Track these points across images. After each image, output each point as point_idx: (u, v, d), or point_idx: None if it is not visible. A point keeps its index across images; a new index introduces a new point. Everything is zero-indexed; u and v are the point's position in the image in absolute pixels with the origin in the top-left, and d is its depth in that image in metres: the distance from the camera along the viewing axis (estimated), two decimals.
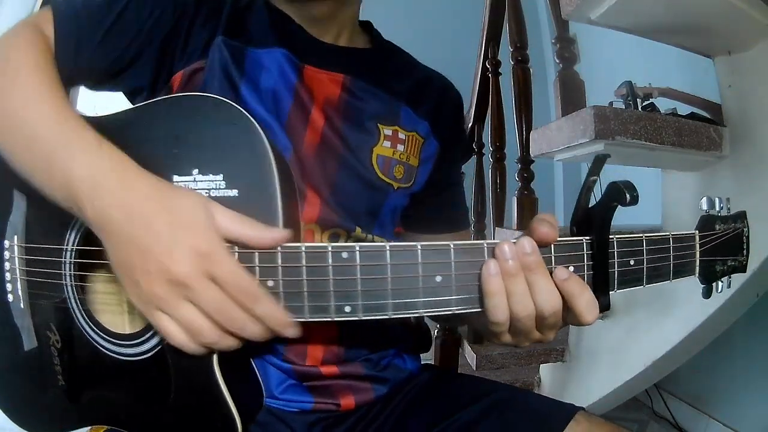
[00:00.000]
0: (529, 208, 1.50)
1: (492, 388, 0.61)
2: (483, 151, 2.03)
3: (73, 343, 0.52)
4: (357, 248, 0.41)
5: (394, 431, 0.60)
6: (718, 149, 1.16)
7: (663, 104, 1.32)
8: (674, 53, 1.33)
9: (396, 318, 0.42)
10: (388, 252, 0.41)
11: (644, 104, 1.30)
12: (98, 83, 0.59)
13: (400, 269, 0.42)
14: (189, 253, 0.38)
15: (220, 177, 0.44)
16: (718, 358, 1.64)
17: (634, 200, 0.41)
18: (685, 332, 1.22)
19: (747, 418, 1.60)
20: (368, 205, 0.62)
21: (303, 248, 0.42)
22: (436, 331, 1.65)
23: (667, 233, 0.47)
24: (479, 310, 0.42)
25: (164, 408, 0.48)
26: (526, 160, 1.52)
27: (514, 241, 0.42)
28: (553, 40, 1.65)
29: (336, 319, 0.42)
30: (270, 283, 0.42)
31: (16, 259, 0.55)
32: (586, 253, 0.44)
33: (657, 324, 1.31)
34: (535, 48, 1.69)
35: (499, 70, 1.82)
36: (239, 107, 0.46)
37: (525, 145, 1.50)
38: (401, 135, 0.63)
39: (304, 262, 0.41)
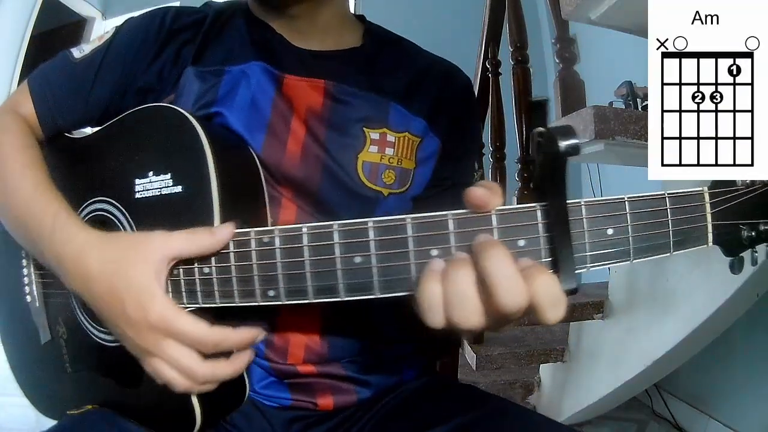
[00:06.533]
0: None
1: (484, 400, 0.57)
2: (483, 151, 2.03)
3: (75, 333, 0.57)
4: (276, 232, 0.42)
5: None
6: None
7: None
8: None
9: (342, 302, 0.41)
10: (305, 234, 0.41)
11: (644, 104, 1.30)
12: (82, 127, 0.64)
13: (318, 250, 0.40)
14: (142, 331, 0.43)
15: (168, 176, 0.48)
16: (718, 358, 1.63)
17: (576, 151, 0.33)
18: (685, 332, 1.21)
19: (747, 418, 1.60)
20: (356, 214, 0.59)
21: None
22: None
23: (663, 192, 0.36)
24: (406, 294, 0.37)
25: (138, 392, 0.51)
26: (526, 160, 1.52)
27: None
28: (553, 40, 1.65)
29: (262, 303, 0.43)
30: (206, 270, 0.44)
31: (32, 263, 0.61)
32: (541, 223, 0.35)
33: (657, 324, 1.31)
34: (535, 48, 1.69)
35: (499, 70, 1.82)
36: (180, 110, 0.50)
37: (525, 145, 1.50)
38: (390, 137, 0.60)
39: (231, 248, 0.43)
